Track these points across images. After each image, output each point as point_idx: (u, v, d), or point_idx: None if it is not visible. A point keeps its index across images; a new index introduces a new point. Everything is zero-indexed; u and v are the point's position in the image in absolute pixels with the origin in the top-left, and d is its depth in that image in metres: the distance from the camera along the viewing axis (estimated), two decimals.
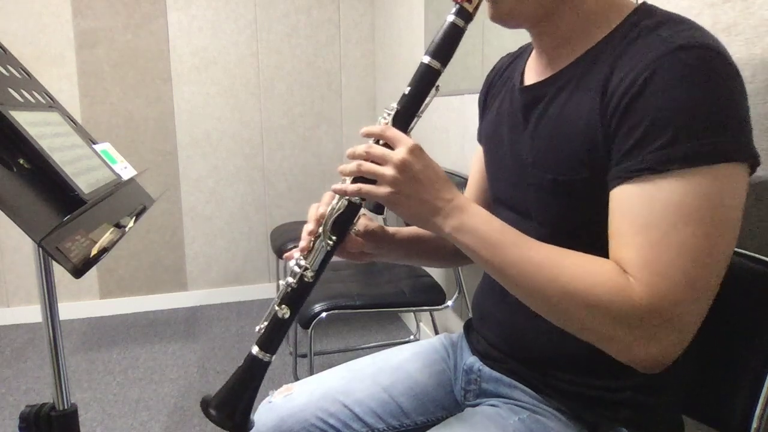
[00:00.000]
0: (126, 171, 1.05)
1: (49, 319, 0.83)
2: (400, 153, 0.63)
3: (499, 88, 0.86)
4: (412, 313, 2.65)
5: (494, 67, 0.92)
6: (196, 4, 2.81)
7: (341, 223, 0.70)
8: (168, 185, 2.90)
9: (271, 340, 0.71)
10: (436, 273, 2.26)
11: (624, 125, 0.58)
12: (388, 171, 0.63)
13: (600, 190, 0.61)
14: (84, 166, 0.87)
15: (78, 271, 0.65)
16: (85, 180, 0.82)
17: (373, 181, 0.65)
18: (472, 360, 0.85)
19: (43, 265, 0.81)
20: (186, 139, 2.90)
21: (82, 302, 2.88)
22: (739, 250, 0.75)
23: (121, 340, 2.60)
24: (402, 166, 0.63)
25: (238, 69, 2.91)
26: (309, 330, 1.66)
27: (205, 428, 1.87)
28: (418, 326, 2.59)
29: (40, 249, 0.74)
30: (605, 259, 0.59)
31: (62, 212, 0.72)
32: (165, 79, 2.82)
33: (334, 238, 0.70)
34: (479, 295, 0.88)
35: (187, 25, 2.81)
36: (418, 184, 0.63)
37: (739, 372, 0.72)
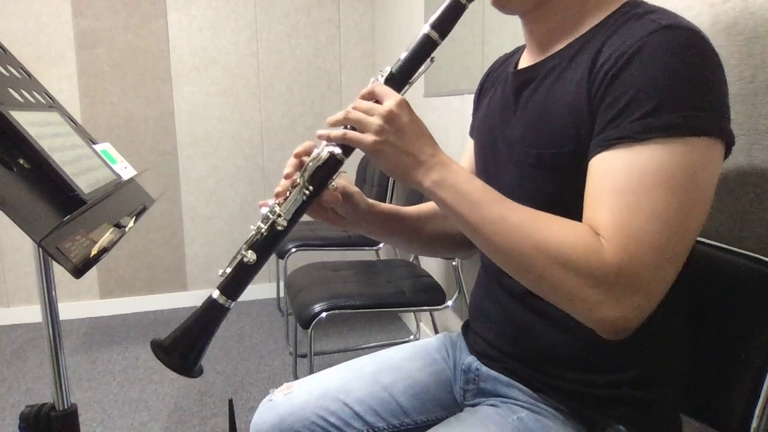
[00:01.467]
0: (126, 171, 1.05)
1: (49, 319, 0.83)
2: (387, 105, 0.65)
3: (492, 83, 0.88)
4: (412, 313, 2.65)
5: (490, 67, 0.94)
6: (196, 4, 2.81)
7: (320, 175, 0.69)
8: (168, 185, 2.90)
9: (234, 285, 0.69)
10: (436, 273, 2.26)
11: (608, 96, 0.60)
12: (374, 120, 0.65)
13: (583, 163, 0.62)
14: (84, 166, 0.87)
15: (78, 271, 0.65)
16: (85, 180, 0.82)
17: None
18: (470, 359, 0.85)
19: (43, 265, 0.81)
20: (186, 139, 2.90)
21: (82, 302, 2.88)
22: (739, 250, 0.75)
23: (121, 340, 2.60)
24: (388, 117, 0.64)
25: (238, 69, 2.91)
26: (309, 330, 1.66)
27: (205, 428, 1.87)
28: (418, 326, 2.59)
29: (40, 249, 0.74)
30: (580, 223, 0.60)
31: (62, 212, 0.72)
32: (165, 79, 2.83)
33: (311, 188, 0.69)
34: (475, 295, 0.89)
35: (187, 25, 2.82)
36: (402, 136, 0.65)
37: (738, 372, 0.72)
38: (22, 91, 0.86)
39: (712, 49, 0.59)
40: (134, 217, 0.94)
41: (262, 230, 0.69)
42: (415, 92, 2.41)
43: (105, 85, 2.75)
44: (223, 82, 2.90)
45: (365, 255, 2.66)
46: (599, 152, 0.60)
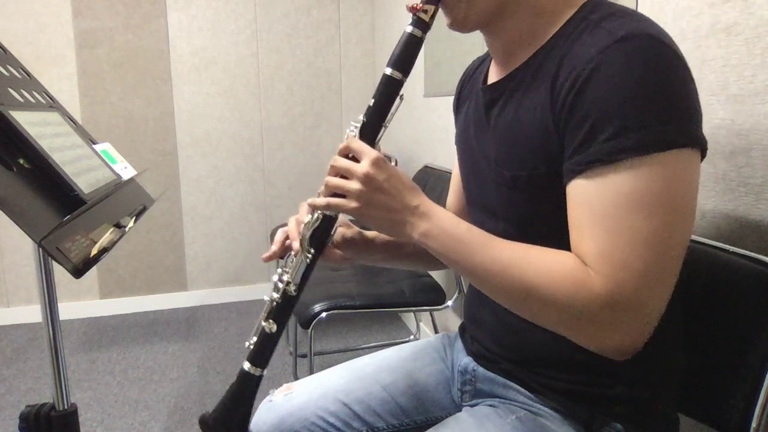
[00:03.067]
0: (126, 171, 1.05)
1: (49, 319, 0.83)
2: (363, 166, 0.65)
3: (469, 90, 0.88)
4: (412, 313, 2.65)
5: (464, 72, 0.93)
6: (196, 4, 2.81)
7: (318, 236, 0.72)
8: (168, 185, 2.90)
9: (260, 354, 0.73)
10: (436, 273, 2.26)
11: (573, 119, 0.59)
12: (353, 185, 0.65)
13: (559, 183, 0.62)
14: (84, 166, 0.87)
15: (78, 271, 0.65)
16: (85, 180, 0.82)
17: (343, 195, 0.67)
18: (466, 361, 0.85)
19: (43, 265, 0.81)
20: (186, 139, 2.90)
21: (82, 302, 2.88)
22: (739, 250, 0.75)
23: (121, 340, 2.60)
24: (366, 179, 0.65)
25: (238, 69, 2.91)
26: (309, 330, 1.66)
27: None
28: (418, 326, 2.59)
29: (40, 249, 0.74)
30: (567, 253, 0.60)
31: (62, 212, 0.72)
32: (165, 79, 2.82)
33: (312, 251, 0.72)
34: (469, 297, 0.89)
35: (187, 25, 2.81)
36: (383, 194, 0.65)
37: (738, 372, 0.72)
38: (22, 91, 0.86)
39: (673, 53, 0.57)
40: (134, 217, 0.94)
41: (276, 299, 0.72)
42: (415, 92, 2.41)
43: (105, 85, 2.75)
44: (223, 82, 2.90)
45: None
46: (573, 178, 0.59)
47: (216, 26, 2.85)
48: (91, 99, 2.74)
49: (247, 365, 0.73)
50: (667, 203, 0.55)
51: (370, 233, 0.86)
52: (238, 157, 2.98)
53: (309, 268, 0.72)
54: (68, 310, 2.80)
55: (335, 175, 0.68)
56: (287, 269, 0.73)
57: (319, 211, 0.71)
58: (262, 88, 2.96)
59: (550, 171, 0.63)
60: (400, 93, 0.70)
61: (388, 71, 0.69)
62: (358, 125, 0.70)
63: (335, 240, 0.79)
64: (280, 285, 0.72)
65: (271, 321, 0.72)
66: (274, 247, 0.79)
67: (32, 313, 2.80)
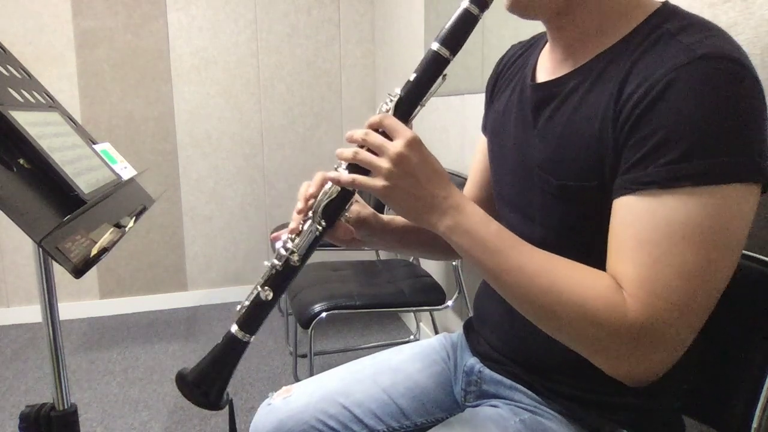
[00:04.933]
0: (126, 171, 1.05)
1: (49, 319, 0.83)
2: (397, 145, 0.61)
3: (509, 78, 0.83)
4: (412, 313, 2.65)
5: (504, 56, 0.89)
6: (196, 4, 2.81)
7: (333, 209, 0.68)
8: (168, 185, 2.90)
9: (252, 320, 0.69)
10: (436, 273, 2.26)
11: (636, 134, 0.55)
12: (383, 163, 0.61)
13: (608, 199, 0.59)
14: (84, 166, 0.87)
15: (78, 271, 0.65)
16: (85, 180, 0.82)
17: (368, 171, 0.63)
18: (472, 361, 0.84)
19: (43, 265, 0.81)
20: (186, 139, 2.90)
21: (82, 302, 2.87)
22: None
23: (121, 340, 2.60)
24: (398, 159, 0.61)
25: (238, 69, 2.91)
26: (309, 330, 1.66)
27: (205, 428, 1.87)
28: (418, 326, 2.59)
29: (40, 249, 0.74)
30: (602, 272, 0.58)
31: (62, 212, 0.72)
32: (165, 79, 2.82)
33: (323, 223, 0.68)
34: (480, 297, 0.88)
35: (187, 25, 2.81)
36: (413, 179, 0.61)
37: (739, 372, 0.72)
38: (22, 91, 0.86)
39: (752, 78, 0.54)
40: (134, 217, 0.94)
41: (278, 266, 0.68)
42: None
43: (105, 85, 2.75)
44: (223, 82, 2.90)
45: (365, 255, 2.66)
46: (624, 194, 0.56)
47: (216, 26, 2.85)
48: (91, 99, 2.75)
49: (235, 328, 0.69)
50: (720, 239, 0.52)
51: (386, 216, 0.84)
52: (238, 157, 2.98)
53: (316, 240, 0.68)
54: (68, 310, 2.80)
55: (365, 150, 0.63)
56: (293, 237, 0.69)
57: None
58: (262, 88, 2.96)
59: (601, 185, 0.61)
60: (444, 73, 0.65)
61: (435, 47, 0.64)
62: (394, 99, 0.65)
63: (349, 217, 0.74)
64: (284, 252, 0.68)
65: (267, 288, 0.68)
66: (292, 224, 0.71)
67: (32, 313, 2.80)
